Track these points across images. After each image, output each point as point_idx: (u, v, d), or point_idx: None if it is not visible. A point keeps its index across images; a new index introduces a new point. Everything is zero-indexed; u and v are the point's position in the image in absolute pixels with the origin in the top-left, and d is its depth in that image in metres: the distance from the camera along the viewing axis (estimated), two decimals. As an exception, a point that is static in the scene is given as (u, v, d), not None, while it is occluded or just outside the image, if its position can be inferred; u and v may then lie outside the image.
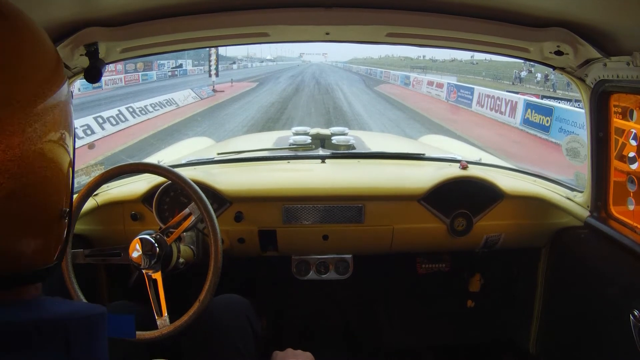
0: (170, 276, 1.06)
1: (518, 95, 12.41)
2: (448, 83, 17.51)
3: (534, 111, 10.17)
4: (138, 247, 0.98)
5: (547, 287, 1.45)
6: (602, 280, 1.16)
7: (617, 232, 1.12)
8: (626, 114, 1.10)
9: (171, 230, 1.05)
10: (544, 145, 8.78)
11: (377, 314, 1.77)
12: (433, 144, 2.41)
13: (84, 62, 1.00)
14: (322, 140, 1.81)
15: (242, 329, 1.03)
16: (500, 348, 1.66)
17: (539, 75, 21.38)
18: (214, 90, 18.28)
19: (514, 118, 11.06)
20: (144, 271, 1.00)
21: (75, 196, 0.97)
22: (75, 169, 0.45)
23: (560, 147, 1.39)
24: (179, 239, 1.08)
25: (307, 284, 1.50)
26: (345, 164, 1.57)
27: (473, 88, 14.68)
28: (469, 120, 12.09)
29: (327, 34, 1.11)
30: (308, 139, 1.73)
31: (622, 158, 1.13)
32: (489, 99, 12.88)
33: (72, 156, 0.41)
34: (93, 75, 0.98)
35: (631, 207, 1.13)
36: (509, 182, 1.44)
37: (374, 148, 1.94)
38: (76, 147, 0.43)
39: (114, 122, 10.10)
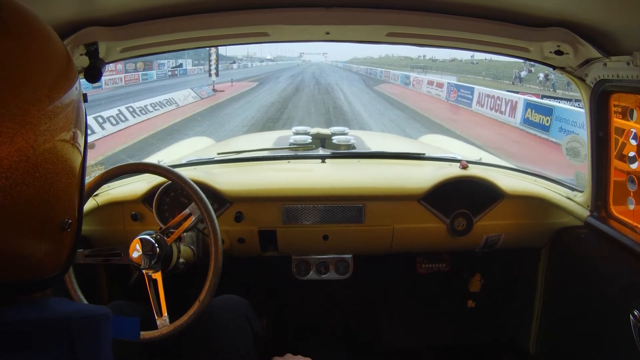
0: (170, 276, 1.06)
1: (518, 95, 12.41)
2: (448, 83, 17.50)
3: (534, 111, 10.17)
4: (138, 247, 0.98)
5: (547, 287, 1.45)
6: (602, 280, 1.16)
7: (617, 231, 1.12)
8: (626, 114, 1.10)
9: (171, 230, 1.05)
10: (544, 145, 8.78)
11: (377, 314, 1.77)
12: (433, 143, 2.41)
13: (84, 61, 1.00)
14: (322, 140, 1.81)
15: (241, 330, 1.03)
16: (500, 348, 1.66)
17: (541, 75, 21.35)
18: (214, 90, 18.28)
19: (514, 118, 11.05)
20: (144, 271, 1.00)
21: None
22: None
23: (560, 146, 1.39)
24: (179, 239, 1.08)
25: (307, 284, 1.50)
26: (345, 164, 1.57)
27: (473, 88, 14.67)
28: (469, 119, 12.09)
29: (327, 33, 1.11)
30: (308, 139, 1.73)
31: (622, 158, 1.13)
32: (489, 99, 12.88)
33: (83, 155, 0.41)
34: (93, 75, 0.98)
35: (631, 207, 1.13)
36: (509, 181, 1.44)
37: (374, 148, 1.94)
38: None
39: (114, 122, 10.10)
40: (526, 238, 1.44)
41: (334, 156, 1.58)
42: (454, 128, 10.03)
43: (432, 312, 1.73)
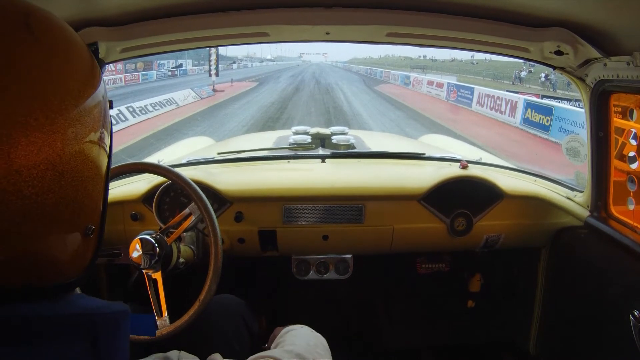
0: (170, 276, 1.06)
1: (518, 95, 12.41)
2: (448, 83, 17.50)
3: (534, 111, 10.17)
4: (138, 247, 0.98)
5: (547, 287, 1.45)
6: (602, 280, 1.16)
7: (617, 232, 1.12)
8: (626, 114, 1.09)
9: (171, 230, 1.05)
10: (544, 145, 8.78)
11: (377, 314, 1.77)
12: (433, 143, 2.41)
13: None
14: (322, 140, 1.81)
15: (238, 330, 1.03)
16: (500, 348, 1.66)
17: (542, 75, 21.32)
18: (214, 90, 18.27)
19: (514, 118, 11.05)
20: (143, 271, 1.00)
21: None
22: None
23: (560, 146, 1.39)
24: (179, 239, 1.08)
25: (307, 284, 1.50)
26: (345, 164, 1.57)
27: (473, 88, 14.67)
28: (469, 119, 12.08)
29: (327, 33, 1.11)
30: (308, 139, 1.73)
31: (622, 158, 1.13)
32: (489, 99, 12.88)
33: (109, 156, 0.42)
34: (93, 75, 0.98)
35: (631, 207, 1.13)
36: (509, 181, 1.44)
37: (374, 147, 1.94)
38: None
39: (114, 122, 9.80)
40: (526, 238, 1.44)
41: (333, 156, 1.58)
42: (454, 128, 10.03)
43: (432, 312, 1.73)
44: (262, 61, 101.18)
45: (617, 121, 1.13)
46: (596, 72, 1.07)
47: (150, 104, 12.56)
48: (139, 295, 1.01)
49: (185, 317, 0.97)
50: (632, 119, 1.07)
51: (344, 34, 1.13)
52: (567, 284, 1.34)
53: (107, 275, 1.44)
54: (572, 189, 1.37)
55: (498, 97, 12.40)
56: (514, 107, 11.23)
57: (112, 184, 1.37)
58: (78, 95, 0.36)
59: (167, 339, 0.97)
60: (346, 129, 1.87)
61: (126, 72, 26.21)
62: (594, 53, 1.00)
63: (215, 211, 1.07)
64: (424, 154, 1.62)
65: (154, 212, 1.27)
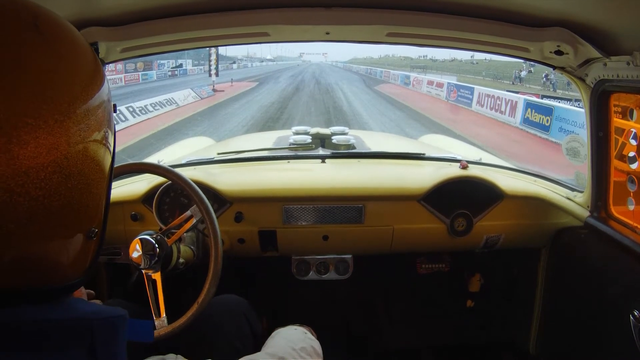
0: (170, 276, 1.06)
1: (518, 95, 12.41)
2: (448, 83, 17.51)
3: (534, 111, 10.17)
4: (138, 247, 0.98)
5: (547, 287, 1.45)
6: (602, 280, 1.16)
7: (617, 232, 1.12)
8: (626, 114, 1.09)
9: (172, 231, 1.05)
10: (544, 145, 8.78)
11: (377, 314, 1.77)
12: (433, 143, 2.41)
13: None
14: (322, 140, 1.81)
15: (240, 329, 1.03)
16: (500, 348, 1.66)
17: (544, 75, 21.30)
18: (214, 90, 18.28)
19: (514, 118, 11.05)
20: (143, 271, 1.00)
21: None
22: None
23: (560, 146, 1.39)
24: (179, 240, 1.08)
25: (307, 284, 1.50)
26: (345, 164, 1.57)
27: (473, 88, 14.67)
28: (469, 119, 12.08)
29: (327, 33, 1.11)
30: (308, 139, 1.73)
31: (622, 158, 1.13)
32: (489, 99, 12.88)
33: (112, 155, 0.42)
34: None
35: (631, 207, 1.13)
36: (509, 182, 1.44)
37: (374, 148, 1.94)
38: None
39: (114, 122, 10.08)
40: (526, 238, 1.44)
41: (333, 156, 1.58)
42: (454, 128, 10.03)
43: (432, 312, 1.73)
44: (262, 61, 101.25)
45: (617, 121, 1.13)
46: (596, 72, 1.07)
47: (150, 104, 12.56)
48: (139, 296, 1.01)
49: (183, 319, 0.97)
50: (632, 119, 1.07)
51: (344, 34, 1.13)
52: (567, 284, 1.34)
53: (107, 275, 1.44)
54: (572, 189, 1.37)
55: (498, 97, 12.40)
56: (514, 107, 11.23)
57: (112, 184, 1.37)
58: (84, 97, 0.36)
59: (165, 339, 0.97)
60: (346, 129, 1.87)
61: (126, 72, 26.22)
62: (594, 53, 1.00)
63: (215, 211, 1.07)
64: (424, 154, 1.62)
65: (154, 212, 1.27)
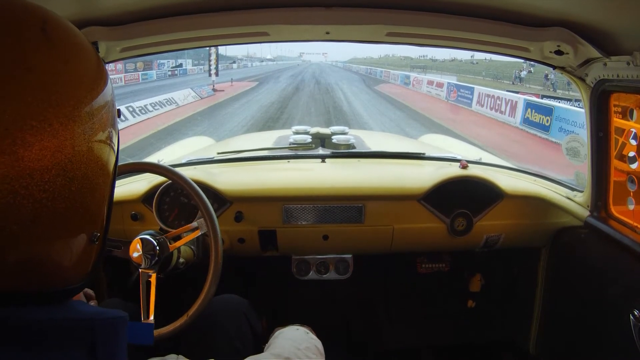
0: (170, 276, 1.06)
1: (518, 95, 12.41)
2: (448, 82, 17.50)
3: (534, 111, 10.17)
4: (139, 246, 0.98)
5: (547, 287, 1.45)
6: (602, 280, 1.16)
7: (617, 232, 1.12)
8: (626, 114, 1.09)
9: (175, 237, 1.05)
10: (544, 145, 8.78)
11: (377, 314, 1.77)
12: (433, 143, 2.41)
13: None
14: (322, 140, 1.81)
15: (241, 329, 1.03)
16: (500, 348, 1.66)
17: (545, 75, 21.29)
18: (214, 90, 18.28)
19: (514, 118, 11.06)
20: (141, 271, 0.99)
21: None
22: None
23: (560, 146, 1.39)
24: (179, 239, 1.08)
25: (307, 284, 1.50)
26: (345, 164, 1.57)
27: (473, 88, 14.67)
28: (469, 119, 12.08)
29: (327, 33, 1.10)
30: (308, 138, 1.73)
31: (622, 157, 1.13)
32: (489, 99, 12.88)
33: (116, 156, 0.42)
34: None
35: (631, 207, 1.13)
36: (509, 181, 1.44)
37: (374, 147, 1.94)
38: None
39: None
40: (526, 238, 1.44)
41: (333, 156, 1.58)
42: (454, 128, 10.03)
43: (432, 312, 1.73)
44: (262, 61, 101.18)
45: (617, 121, 1.13)
46: (596, 72, 1.07)
47: (150, 104, 12.56)
48: (139, 295, 1.01)
49: (183, 318, 0.97)
50: (632, 119, 1.07)
51: (344, 34, 1.13)
52: (567, 284, 1.34)
53: (107, 275, 1.44)
54: (572, 189, 1.37)
55: (498, 97, 12.40)
56: (514, 107, 11.23)
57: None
58: (89, 100, 0.36)
59: (165, 339, 0.97)
60: (346, 129, 1.87)
61: (126, 71, 26.22)
62: (594, 53, 1.00)
63: (215, 211, 1.07)
64: (424, 153, 1.62)
65: (154, 212, 1.27)
